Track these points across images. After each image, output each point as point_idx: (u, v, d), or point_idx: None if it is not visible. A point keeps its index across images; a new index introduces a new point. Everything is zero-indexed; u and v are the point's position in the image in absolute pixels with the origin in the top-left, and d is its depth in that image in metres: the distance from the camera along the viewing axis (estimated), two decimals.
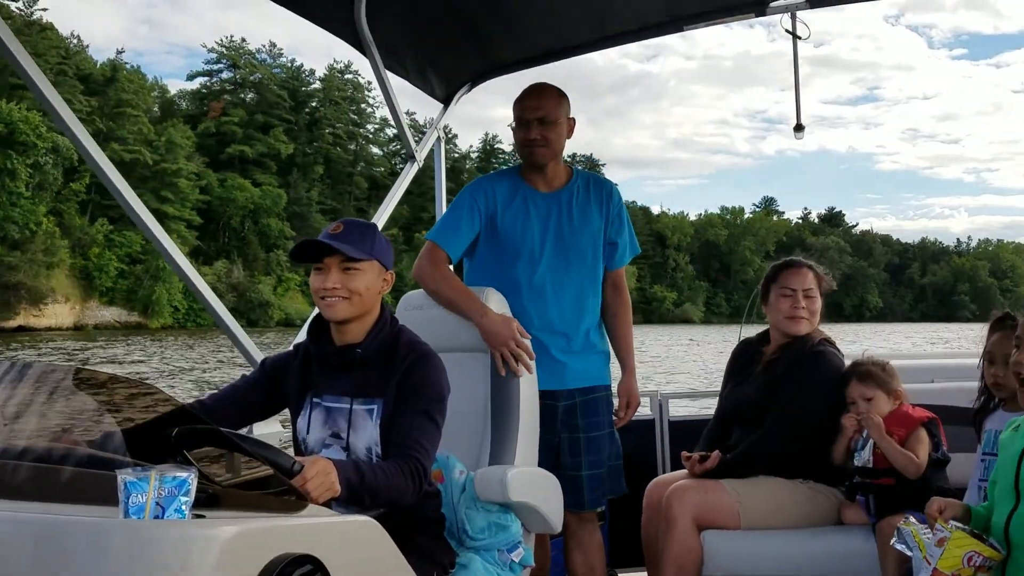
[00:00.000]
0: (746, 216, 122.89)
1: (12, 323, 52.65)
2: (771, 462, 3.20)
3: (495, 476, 2.61)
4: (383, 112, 59.26)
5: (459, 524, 2.58)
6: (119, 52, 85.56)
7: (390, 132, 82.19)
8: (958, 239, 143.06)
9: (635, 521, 3.41)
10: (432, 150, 4.39)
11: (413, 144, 4.21)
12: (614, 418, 3.33)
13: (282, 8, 3.43)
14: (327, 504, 1.89)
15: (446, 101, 4.43)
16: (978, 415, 3.03)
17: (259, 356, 3.07)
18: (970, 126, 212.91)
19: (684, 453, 3.33)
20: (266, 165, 77.75)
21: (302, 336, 3.14)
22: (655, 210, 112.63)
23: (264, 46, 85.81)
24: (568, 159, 3.37)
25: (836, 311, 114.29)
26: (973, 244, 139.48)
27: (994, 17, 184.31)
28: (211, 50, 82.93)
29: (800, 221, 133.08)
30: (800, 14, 3.91)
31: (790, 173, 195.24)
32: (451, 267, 3.23)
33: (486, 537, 2.56)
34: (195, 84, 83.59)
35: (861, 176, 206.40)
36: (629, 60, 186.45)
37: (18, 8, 62.86)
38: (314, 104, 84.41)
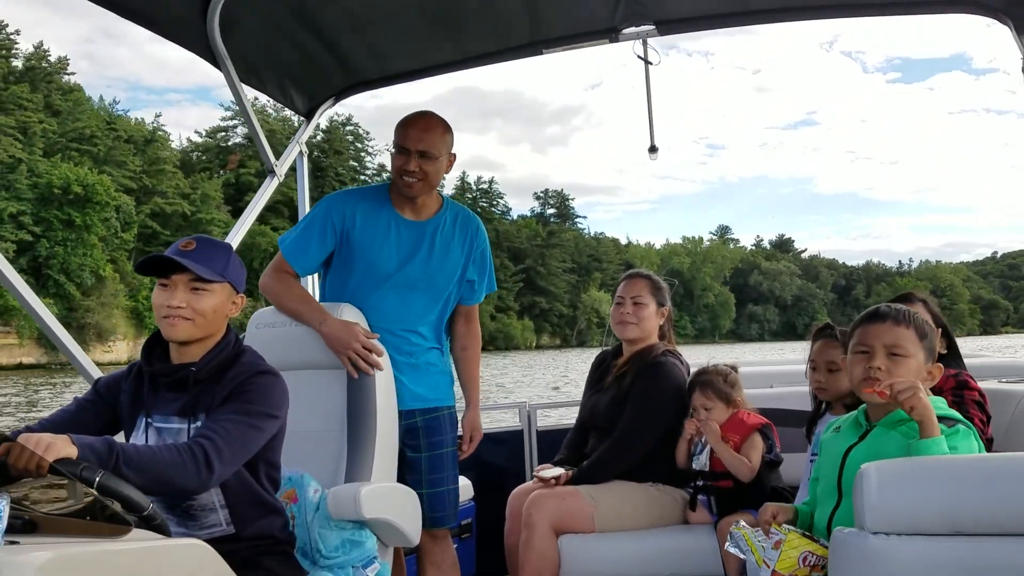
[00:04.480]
0: (704, 245, 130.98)
1: None
2: (621, 467, 3.35)
3: (348, 494, 2.57)
4: (382, 159, 65.04)
5: (312, 543, 2.54)
6: (157, 115, 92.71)
7: (385, 176, 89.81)
8: (900, 261, 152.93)
9: (502, 530, 3.47)
10: (295, 165, 4.29)
11: (272, 158, 4.06)
12: (457, 451, 3.26)
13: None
14: (165, 532, 1.81)
15: (308, 116, 4.35)
16: (811, 421, 3.16)
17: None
18: (908, 147, 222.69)
19: (536, 472, 3.45)
20: (279, 210, 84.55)
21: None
22: (623, 240, 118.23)
23: (269, 101, 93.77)
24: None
25: (790, 330, 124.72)
26: (915, 265, 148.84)
27: (923, 42, 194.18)
28: (227, 108, 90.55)
29: (754, 247, 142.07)
30: (651, 41, 4.05)
31: (734, 197, 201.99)
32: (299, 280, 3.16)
33: (340, 555, 2.54)
34: (200, 138, 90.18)
35: (803, 199, 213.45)
36: (572, 87, 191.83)
37: (59, 70, 69.97)
38: (317, 154, 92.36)
